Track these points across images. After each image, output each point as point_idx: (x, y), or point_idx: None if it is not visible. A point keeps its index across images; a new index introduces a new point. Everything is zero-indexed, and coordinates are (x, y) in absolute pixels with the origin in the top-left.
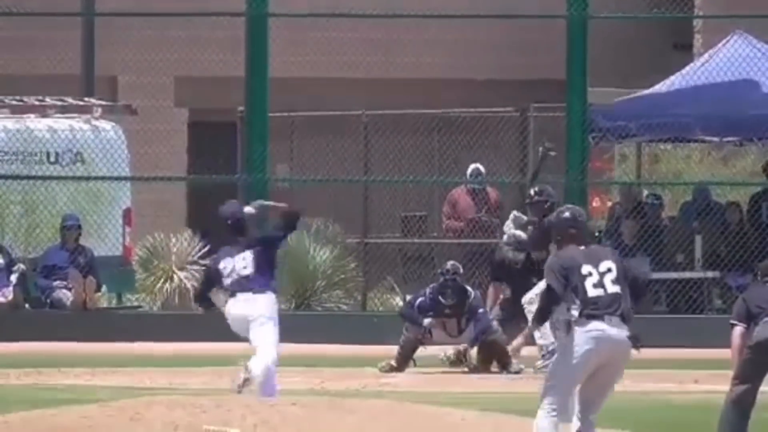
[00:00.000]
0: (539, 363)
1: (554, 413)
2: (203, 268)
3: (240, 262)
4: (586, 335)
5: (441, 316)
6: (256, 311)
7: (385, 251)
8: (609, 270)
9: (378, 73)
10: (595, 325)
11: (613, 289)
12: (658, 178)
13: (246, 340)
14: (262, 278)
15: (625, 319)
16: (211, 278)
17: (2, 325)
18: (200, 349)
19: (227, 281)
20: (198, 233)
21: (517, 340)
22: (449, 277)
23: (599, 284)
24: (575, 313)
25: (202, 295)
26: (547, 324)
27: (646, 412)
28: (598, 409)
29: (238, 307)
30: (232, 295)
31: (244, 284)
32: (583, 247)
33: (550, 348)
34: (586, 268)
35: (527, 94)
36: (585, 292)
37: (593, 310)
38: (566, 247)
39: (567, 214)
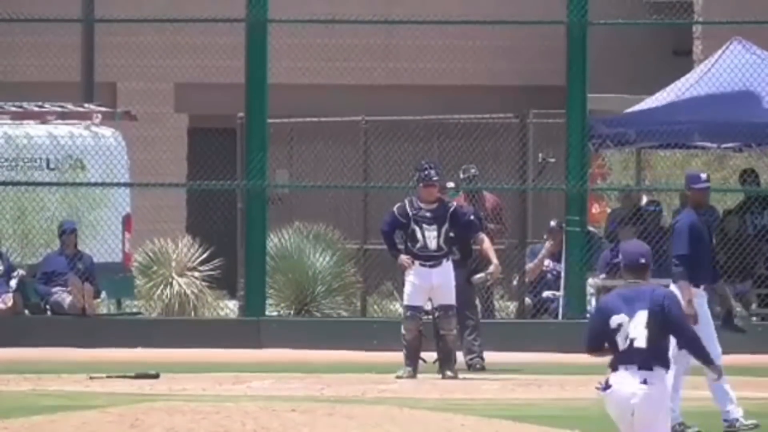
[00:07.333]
0: None
1: None
2: (203, 274)
3: None
4: None
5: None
6: None
7: (384, 257)
8: None
9: (377, 79)
10: None
11: None
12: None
13: None
14: None
15: None
16: None
17: (2, 331)
18: (199, 355)
19: None
20: (198, 239)
21: None
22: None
23: None
24: None
25: None
26: None
27: None
28: None
29: None
30: None
31: None
32: None
33: None
34: None
35: (527, 100)
36: None
37: None
38: None
39: None
